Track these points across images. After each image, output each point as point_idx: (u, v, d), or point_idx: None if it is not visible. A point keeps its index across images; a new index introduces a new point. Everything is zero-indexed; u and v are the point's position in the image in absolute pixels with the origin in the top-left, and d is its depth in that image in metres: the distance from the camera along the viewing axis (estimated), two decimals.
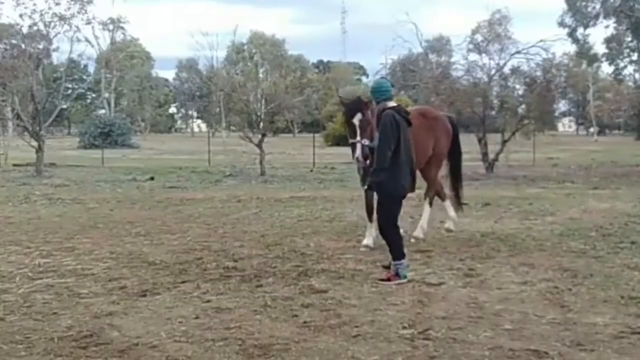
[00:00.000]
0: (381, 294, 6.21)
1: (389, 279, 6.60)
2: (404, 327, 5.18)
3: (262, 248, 8.53)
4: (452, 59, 31.72)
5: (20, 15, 24.30)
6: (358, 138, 7.60)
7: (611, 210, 12.17)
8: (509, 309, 5.68)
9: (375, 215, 8.11)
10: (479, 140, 22.50)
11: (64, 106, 40.22)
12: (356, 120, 7.67)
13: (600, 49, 37.57)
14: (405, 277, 6.62)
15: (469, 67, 24.11)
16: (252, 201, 14.15)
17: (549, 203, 13.36)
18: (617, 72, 43.17)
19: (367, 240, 8.40)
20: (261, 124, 23.69)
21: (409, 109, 8.36)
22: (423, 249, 8.37)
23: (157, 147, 47.49)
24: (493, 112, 23.94)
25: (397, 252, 6.68)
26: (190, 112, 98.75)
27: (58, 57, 32.05)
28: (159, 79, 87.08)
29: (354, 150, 7.67)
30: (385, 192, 6.76)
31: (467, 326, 5.21)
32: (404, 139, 6.71)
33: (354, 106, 7.88)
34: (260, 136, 23.01)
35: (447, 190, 9.66)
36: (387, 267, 6.81)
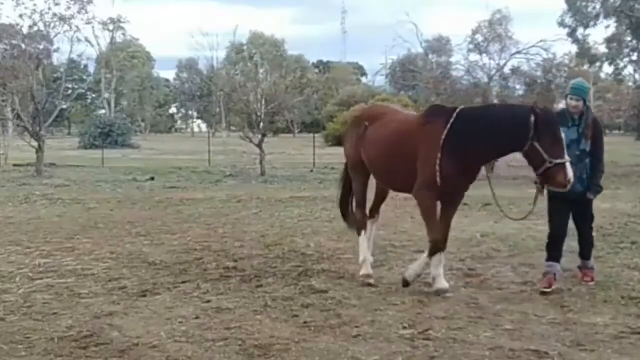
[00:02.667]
0: (381, 294, 6.21)
1: (592, 279, 6.56)
2: (404, 327, 5.18)
3: (262, 248, 8.53)
4: (452, 59, 31.75)
5: (20, 16, 24.32)
6: (567, 157, 5.86)
7: (611, 210, 12.15)
8: (509, 309, 5.68)
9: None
10: None
11: (64, 106, 40.15)
12: (562, 133, 5.95)
13: (600, 49, 37.51)
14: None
15: (469, 67, 24.14)
16: (252, 201, 14.15)
17: None
18: (617, 72, 43.05)
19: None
20: (261, 124, 23.71)
21: (360, 107, 7.69)
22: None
23: (157, 147, 47.49)
24: None
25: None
26: (190, 112, 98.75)
27: (58, 57, 32.03)
28: (159, 79, 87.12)
29: (559, 172, 5.76)
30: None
31: (467, 326, 5.21)
32: None
33: (556, 117, 6.14)
34: (260, 136, 23.03)
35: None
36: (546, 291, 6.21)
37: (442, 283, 6.23)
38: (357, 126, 7.04)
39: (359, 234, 7.05)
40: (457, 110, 6.21)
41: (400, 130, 6.53)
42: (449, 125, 6.06)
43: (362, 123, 6.95)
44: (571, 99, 6.46)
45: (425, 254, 6.31)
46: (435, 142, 6.06)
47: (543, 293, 6.16)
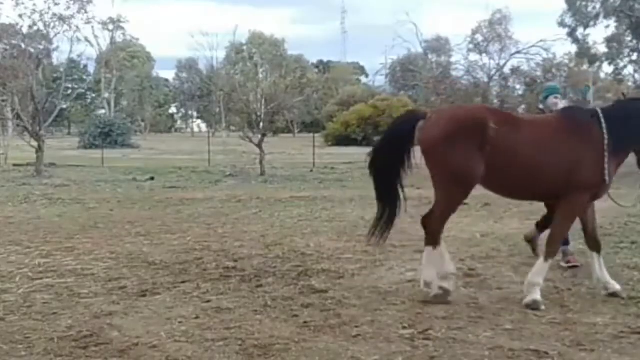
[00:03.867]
0: (381, 294, 6.21)
1: (569, 262, 7.26)
2: (404, 327, 5.17)
3: (262, 248, 8.52)
4: (453, 59, 31.81)
5: (20, 16, 24.40)
6: None
7: (611, 210, 12.14)
8: (509, 309, 5.68)
9: None
10: None
11: (64, 106, 40.30)
12: None
13: (600, 49, 37.54)
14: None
15: (469, 67, 24.17)
16: (252, 201, 14.15)
17: None
18: (617, 72, 43.07)
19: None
20: (261, 124, 23.73)
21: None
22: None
23: (157, 147, 47.50)
24: None
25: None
26: (190, 112, 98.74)
27: (58, 57, 32.16)
28: (159, 79, 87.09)
29: None
30: None
31: (467, 326, 5.21)
32: None
33: None
34: (260, 136, 23.05)
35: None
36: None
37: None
38: (479, 129, 5.89)
39: (434, 247, 6.19)
40: (600, 110, 6.12)
41: (554, 134, 6.07)
42: (605, 126, 5.95)
43: (487, 126, 5.88)
44: (556, 97, 7.51)
45: (542, 260, 6.00)
46: (600, 144, 5.93)
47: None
